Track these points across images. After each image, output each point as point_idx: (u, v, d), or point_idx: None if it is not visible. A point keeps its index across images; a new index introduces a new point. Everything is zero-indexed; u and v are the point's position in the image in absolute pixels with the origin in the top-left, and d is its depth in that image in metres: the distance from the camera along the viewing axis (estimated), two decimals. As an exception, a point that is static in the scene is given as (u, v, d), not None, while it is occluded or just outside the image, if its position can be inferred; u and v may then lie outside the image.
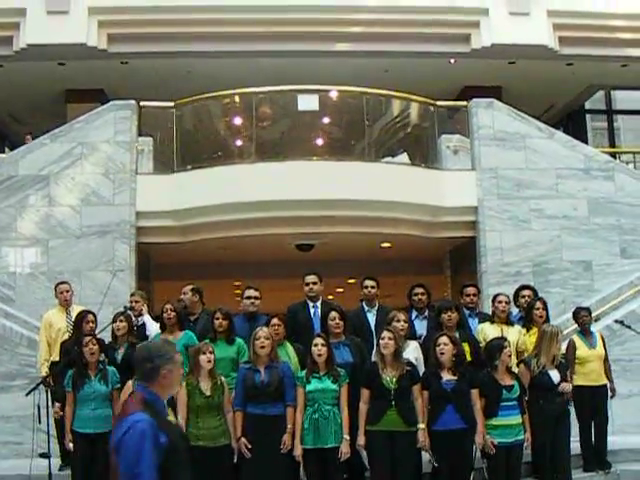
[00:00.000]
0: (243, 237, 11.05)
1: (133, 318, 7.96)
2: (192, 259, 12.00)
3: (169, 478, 3.41)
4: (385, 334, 6.68)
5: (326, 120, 12.54)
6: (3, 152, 14.71)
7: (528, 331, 7.86)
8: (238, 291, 10.77)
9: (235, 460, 6.53)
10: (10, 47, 13.29)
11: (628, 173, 11.74)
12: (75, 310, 8.39)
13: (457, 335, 7.32)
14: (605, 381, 8.03)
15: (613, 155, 13.58)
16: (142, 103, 11.40)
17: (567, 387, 7.21)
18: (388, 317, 7.29)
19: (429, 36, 13.89)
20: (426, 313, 8.17)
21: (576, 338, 8.10)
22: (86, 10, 13.10)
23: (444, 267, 13.20)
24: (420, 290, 8.27)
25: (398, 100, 12.36)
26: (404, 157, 11.83)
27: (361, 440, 6.55)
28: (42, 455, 7.72)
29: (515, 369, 7.28)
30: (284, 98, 12.01)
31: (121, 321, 7.57)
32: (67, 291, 8.72)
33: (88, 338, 7.10)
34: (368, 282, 8.14)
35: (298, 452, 6.51)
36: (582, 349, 7.98)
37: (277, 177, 10.72)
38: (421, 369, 6.98)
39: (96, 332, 7.61)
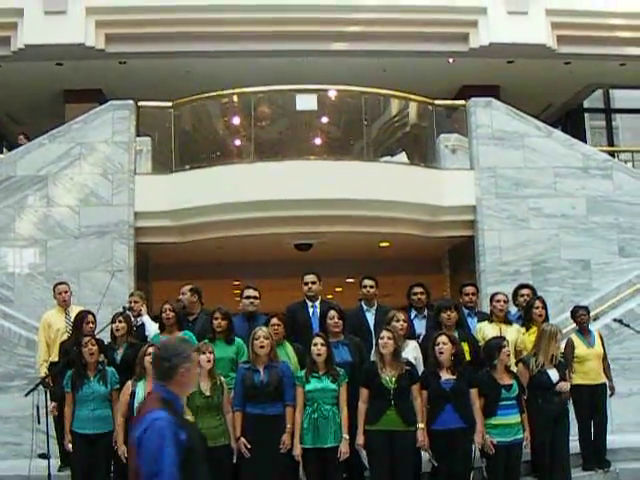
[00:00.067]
0: (242, 237, 11.04)
1: (132, 318, 7.95)
2: (191, 259, 11.99)
3: (188, 476, 3.41)
4: (384, 333, 6.67)
5: (325, 120, 12.54)
6: (1, 153, 14.72)
7: (527, 330, 7.86)
8: (237, 291, 10.76)
9: (234, 460, 6.53)
10: (8, 47, 13.26)
11: (626, 172, 11.75)
12: (74, 310, 8.39)
13: (456, 334, 7.32)
14: (604, 380, 8.03)
15: (611, 154, 13.56)
16: (140, 103, 11.40)
17: (565, 386, 7.22)
18: (387, 317, 7.28)
19: (427, 35, 13.88)
20: (425, 312, 8.18)
21: (574, 337, 8.10)
22: (84, 10, 13.07)
23: (443, 266, 13.20)
24: (419, 289, 8.27)
25: (396, 99, 12.36)
26: (403, 156, 11.82)
27: (360, 440, 6.55)
28: (41, 456, 7.73)
29: (514, 368, 7.28)
30: (283, 98, 12.01)
31: (120, 322, 7.56)
32: (66, 291, 8.72)
33: (87, 338, 7.09)
34: (367, 282, 8.14)
35: (297, 452, 6.51)
36: (580, 348, 7.98)
37: (276, 177, 10.72)
38: (420, 369, 6.98)
39: (95, 332, 7.62)
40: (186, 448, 3.42)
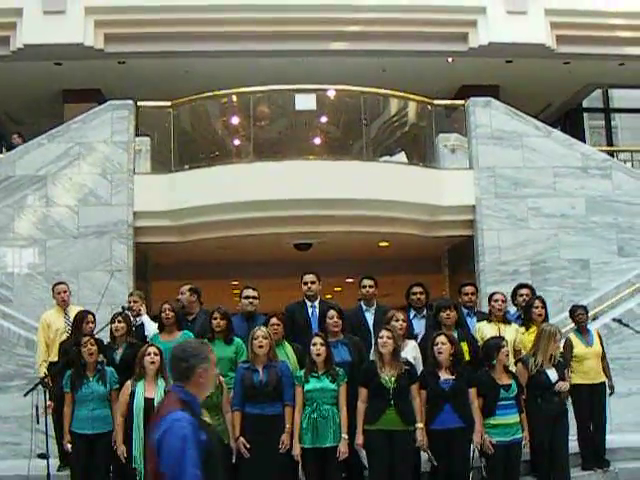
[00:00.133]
0: (241, 237, 11.04)
1: (131, 318, 7.94)
2: (190, 259, 11.99)
3: (208, 477, 3.39)
4: (384, 333, 6.67)
5: (324, 119, 12.54)
6: (0, 152, 14.69)
7: (527, 329, 7.85)
8: (236, 291, 10.76)
9: (234, 460, 6.53)
10: (7, 47, 13.25)
11: (625, 171, 11.75)
12: (73, 310, 8.39)
13: (456, 334, 7.33)
14: (603, 379, 8.03)
15: (610, 153, 13.56)
16: (139, 103, 11.40)
17: (564, 386, 7.21)
18: (386, 316, 7.28)
19: (427, 35, 13.87)
20: (424, 312, 8.18)
21: (573, 336, 8.11)
22: (83, 10, 13.06)
23: (442, 266, 13.20)
24: (419, 289, 8.27)
25: (396, 99, 12.37)
26: (402, 156, 11.82)
27: (359, 439, 6.55)
28: (40, 456, 7.71)
29: (513, 368, 7.29)
30: (282, 97, 12.01)
31: (119, 322, 7.55)
32: (65, 291, 8.71)
33: (86, 338, 7.10)
34: (366, 281, 8.14)
35: (297, 451, 6.52)
36: (579, 347, 7.98)
37: (275, 176, 10.72)
38: (420, 368, 6.99)
39: (94, 332, 7.62)
40: (206, 449, 3.41)
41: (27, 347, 9.19)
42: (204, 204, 10.78)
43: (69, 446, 6.94)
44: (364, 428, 6.55)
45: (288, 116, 12.30)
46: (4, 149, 13.14)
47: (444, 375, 6.71)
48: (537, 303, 7.98)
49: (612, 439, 8.23)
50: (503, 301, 8.10)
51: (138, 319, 8.24)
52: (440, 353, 6.72)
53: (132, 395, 6.68)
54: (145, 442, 6.50)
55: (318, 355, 6.60)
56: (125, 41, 13.53)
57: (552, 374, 7.19)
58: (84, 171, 10.88)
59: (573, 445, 7.62)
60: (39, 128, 11.65)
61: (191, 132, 12.67)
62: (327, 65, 14.04)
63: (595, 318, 9.85)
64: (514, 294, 8.64)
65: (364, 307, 8.08)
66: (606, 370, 8.11)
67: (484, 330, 7.85)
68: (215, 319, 7.26)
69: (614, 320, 9.12)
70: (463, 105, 11.86)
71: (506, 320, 8.07)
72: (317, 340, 6.67)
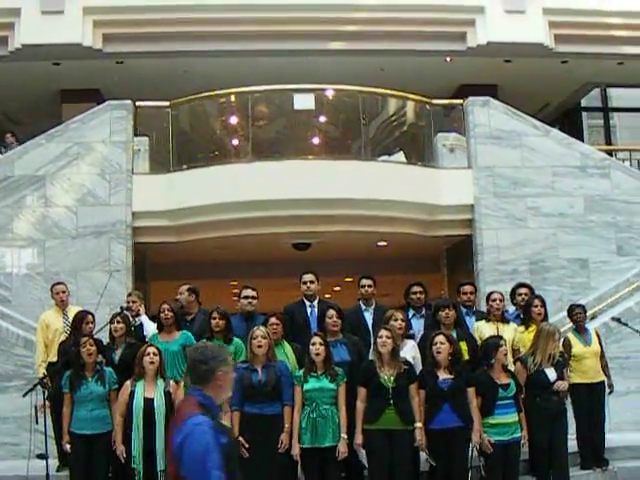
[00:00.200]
0: (240, 236, 11.03)
1: (130, 318, 7.94)
2: (188, 259, 11.99)
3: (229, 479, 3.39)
4: (383, 332, 6.68)
5: (322, 119, 12.53)
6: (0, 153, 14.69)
7: (527, 328, 7.85)
8: (235, 290, 10.76)
9: (233, 460, 6.53)
10: (5, 47, 13.23)
11: (624, 171, 11.75)
12: (71, 311, 8.38)
13: (455, 333, 7.34)
14: (602, 378, 8.04)
15: (609, 153, 13.55)
16: (138, 103, 11.39)
17: (562, 385, 7.22)
18: (386, 316, 7.29)
19: (425, 34, 13.86)
20: (423, 312, 8.18)
21: (571, 336, 8.11)
22: (81, 10, 13.04)
23: (441, 265, 13.20)
24: (418, 289, 8.28)
25: (394, 99, 12.35)
26: (400, 156, 11.82)
27: (358, 439, 6.56)
28: (39, 456, 7.70)
29: (511, 367, 7.29)
30: (280, 97, 12.00)
31: (118, 322, 7.54)
32: (63, 292, 8.70)
33: (85, 339, 7.09)
34: (365, 281, 8.15)
35: (296, 451, 6.52)
36: (577, 346, 7.98)
37: (273, 176, 10.71)
38: (419, 368, 6.99)
39: (93, 332, 7.62)
40: (227, 452, 3.41)
41: (26, 347, 9.19)
42: (203, 204, 10.77)
43: (68, 446, 6.93)
44: (364, 428, 6.56)
45: (286, 116, 12.29)
46: (2, 149, 13.13)
47: (443, 375, 6.72)
48: (536, 302, 7.98)
49: (611, 438, 8.24)
50: (501, 300, 8.10)
51: (137, 319, 8.24)
52: (439, 353, 6.72)
53: (131, 395, 6.69)
54: (144, 442, 6.56)
55: (317, 355, 6.60)
56: (123, 41, 13.51)
57: (551, 373, 7.19)
58: (83, 171, 10.87)
59: (572, 444, 7.63)
60: (37, 128, 11.62)
61: (190, 132, 12.66)
62: (326, 65, 14.03)
63: (594, 317, 9.86)
64: (513, 293, 8.64)
65: (363, 307, 8.09)
66: (605, 369, 8.12)
67: (482, 329, 7.85)
68: (214, 319, 7.27)
69: (613, 319, 9.12)
70: (461, 104, 11.86)
71: (504, 319, 8.07)
72: (316, 340, 6.67)
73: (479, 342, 7.48)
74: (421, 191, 11.21)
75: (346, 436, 6.53)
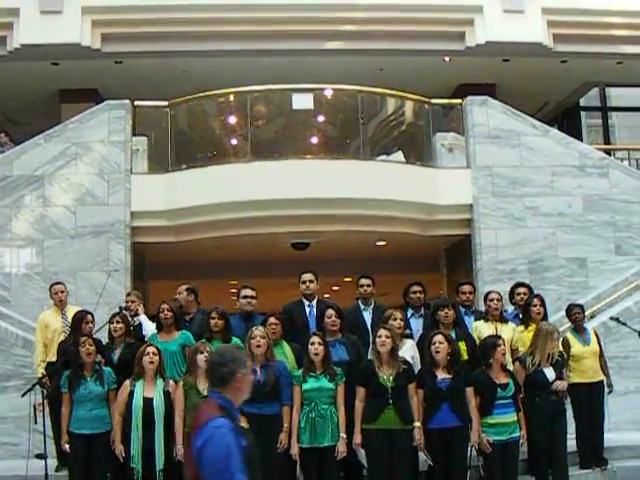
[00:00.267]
0: (238, 236, 11.03)
1: (129, 318, 7.94)
2: (187, 259, 11.98)
3: None
4: (382, 332, 6.68)
5: (321, 119, 12.54)
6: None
7: (527, 328, 7.85)
8: (234, 290, 10.76)
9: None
10: (4, 47, 13.21)
11: (623, 170, 11.76)
12: (70, 310, 8.38)
13: (454, 333, 7.34)
14: (601, 377, 8.03)
15: (608, 152, 13.54)
16: (136, 103, 11.39)
17: (561, 385, 7.23)
18: (384, 315, 7.28)
19: (424, 34, 13.85)
20: (422, 311, 8.18)
21: (570, 336, 8.10)
22: (79, 10, 13.02)
23: (440, 265, 13.20)
24: (418, 288, 8.27)
25: (393, 98, 12.37)
26: (399, 155, 11.83)
27: (357, 439, 6.56)
28: (38, 456, 7.70)
29: (510, 367, 7.29)
30: (279, 97, 12.01)
31: (118, 322, 7.54)
32: (62, 291, 8.69)
33: (84, 338, 7.09)
34: (364, 280, 8.15)
35: (295, 451, 6.52)
36: (576, 346, 7.98)
37: (272, 176, 10.71)
38: (418, 368, 6.99)
39: (92, 332, 7.62)
40: (247, 455, 3.40)
41: (25, 347, 9.18)
42: (201, 204, 10.77)
43: (67, 446, 6.93)
44: (363, 427, 6.56)
45: (285, 115, 12.29)
46: None
47: (441, 374, 6.72)
48: (535, 301, 7.98)
49: (610, 438, 8.24)
50: (498, 300, 8.10)
51: (136, 319, 8.23)
52: (437, 352, 6.72)
53: (131, 395, 6.69)
54: (143, 442, 6.56)
55: (316, 354, 6.60)
56: (122, 41, 13.50)
57: (549, 373, 7.20)
58: (81, 171, 10.87)
59: (571, 444, 7.63)
60: (36, 128, 11.62)
61: (188, 132, 12.66)
62: (324, 64, 14.03)
63: (593, 317, 9.86)
64: (511, 293, 8.64)
65: (362, 306, 8.08)
66: (604, 368, 8.12)
67: (481, 329, 7.86)
68: (213, 319, 7.27)
69: (612, 319, 9.11)
70: (460, 104, 11.86)
71: (503, 319, 8.07)
72: (315, 339, 6.67)
73: (478, 342, 7.48)
74: (420, 191, 11.21)
75: (345, 436, 6.53)
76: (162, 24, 13.28)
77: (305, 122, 12.30)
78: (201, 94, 11.75)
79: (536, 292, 8.57)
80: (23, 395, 7.18)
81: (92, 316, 7.91)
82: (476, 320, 8.16)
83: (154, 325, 7.87)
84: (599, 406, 7.98)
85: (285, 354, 7.13)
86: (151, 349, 6.82)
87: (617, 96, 17.56)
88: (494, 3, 13.69)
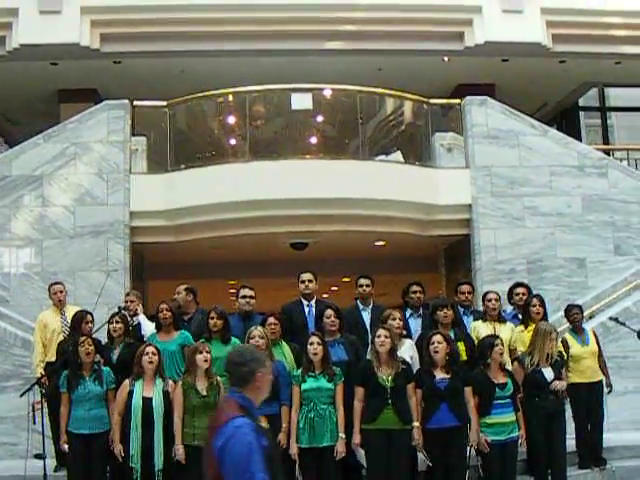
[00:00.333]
0: (237, 236, 11.03)
1: (128, 318, 7.94)
2: (186, 259, 11.98)
3: None
4: (381, 332, 6.68)
5: (320, 119, 12.54)
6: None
7: (527, 328, 7.85)
8: (233, 290, 10.76)
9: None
10: (3, 47, 13.21)
11: (622, 170, 11.76)
12: (69, 310, 8.38)
13: (452, 333, 7.34)
14: (600, 377, 8.04)
15: (607, 152, 13.55)
16: (135, 103, 11.39)
17: (559, 385, 7.23)
18: (383, 315, 7.28)
19: (423, 34, 13.86)
20: (420, 311, 8.18)
21: (568, 336, 8.10)
22: (78, 10, 13.02)
23: (438, 265, 13.21)
24: (418, 288, 8.26)
25: (392, 98, 12.38)
26: (398, 155, 11.83)
27: (356, 439, 6.56)
28: (37, 456, 7.69)
29: (509, 367, 7.29)
30: (278, 97, 12.00)
31: (117, 322, 7.55)
32: (61, 291, 8.69)
33: (84, 338, 7.09)
34: (363, 280, 8.14)
35: (294, 451, 6.52)
36: (575, 347, 7.98)
37: (271, 176, 10.71)
38: (417, 368, 6.99)
39: (92, 332, 7.62)
40: (268, 455, 3.40)
41: (24, 347, 9.17)
42: (200, 204, 10.78)
43: (66, 446, 6.93)
44: (362, 427, 6.56)
45: (284, 115, 12.29)
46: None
47: (440, 374, 6.72)
48: (535, 301, 7.99)
49: (609, 437, 8.24)
50: (496, 300, 8.10)
51: (135, 319, 8.24)
52: (436, 352, 6.72)
53: (130, 394, 6.69)
54: (143, 441, 6.56)
55: (315, 354, 6.60)
56: (121, 41, 13.50)
57: (548, 373, 7.20)
58: (80, 171, 10.86)
59: (570, 444, 7.63)
60: (35, 128, 11.63)
61: (187, 132, 12.66)
62: (324, 64, 14.03)
63: (592, 317, 9.87)
64: (510, 293, 8.64)
65: (360, 306, 8.08)
66: (603, 368, 8.13)
67: (479, 329, 7.86)
68: (212, 319, 7.27)
69: (610, 319, 9.10)
70: (459, 104, 11.86)
71: (501, 319, 8.07)
72: (314, 339, 6.67)
73: (476, 342, 7.48)
74: (419, 191, 11.22)
75: (344, 436, 6.53)
76: (161, 24, 13.29)
77: (304, 122, 12.29)
78: (200, 94, 11.75)
79: (535, 292, 8.56)
80: (22, 395, 7.18)
81: (92, 316, 7.91)
82: (475, 320, 8.16)
83: (153, 325, 7.87)
84: (598, 406, 7.98)
85: (284, 354, 7.13)
86: (150, 349, 6.82)
87: (616, 96, 17.57)
88: (493, 3, 13.70)
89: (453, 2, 13.66)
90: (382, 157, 11.81)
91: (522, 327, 7.94)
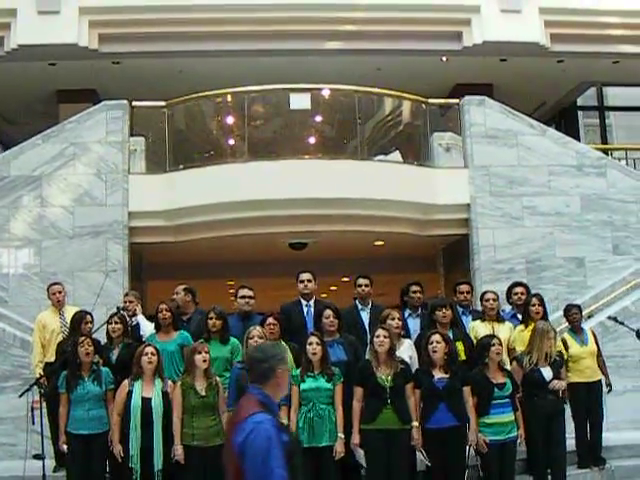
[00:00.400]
0: (236, 236, 11.03)
1: (127, 318, 7.94)
2: (185, 259, 11.98)
3: (291, 477, 3.40)
4: (380, 332, 6.68)
5: (318, 119, 12.54)
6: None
7: (526, 327, 7.84)
8: (232, 290, 10.76)
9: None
10: (1, 48, 13.21)
11: (620, 169, 11.77)
12: (68, 311, 8.38)
13: (451, 333, 7.34)
14: (600, 377, 8.04)
15: (605, 152, 13.55)
16: (134, 103, 11.38)
17: (558, 385, 7.23)
18: (382, 315, 7.28)
19: (421, 34, 13.87)
20: (419, 311, 8.18)
21: (567, 336, 8.11)
22: (77, 10, 13.02)
23: (437, 265, 13.21)
24: (417, 288, 8.27)
25: (390, 98, 12.38)
26: (396, 155, 11.83)
27: (355, 439, 6.56)
28: (36, 456, 7.69)
29: (508, 366, 7.30)
30: (276, 97, 12.00)
31: (116, 322, 7.55)
32: (60, 292, 8.68)
33: (83, 338, 7.09)
34: (361, 280, 8.15)
35: (293, 451, 6.51)
36: (574, 347, 7.98)
37: (270, 176, 10.71)
38: (415, 368, 6.99)
39: (91, 332, 7.61)
40: (289, 450, 3.43)
41: (23, 348, 9.17)
42: (199, 204, 10.78)
43: (65, 447, 6.93)
44: (361, 427, 6.56)
45: (283, 115, 12.29)
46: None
47: (438, 374, 6.72)
48: (534, 301, 7.99)
49: (608, 437, 8.24)
50: (495, 300, 8.10)
51: (134, 319, 8.24)
52: (435, 352, 6.73)
53: (129, 394, 6.69)
54: (142, 441, 6.56)
55: (314, 354, 6.60)
56: (119, 41, 13.50)
57: (546, 372, 7.21)
58: (79, 171, 10.86)
59: (569, 443, 7.63)
60: (34, 128, 11.62)
61: (186, 132, 12.66)
62: (322, 64, 14.03)
63: (590, 316, 9.87)
64: (509, 292, 8.64)
65: (359, 306, 8.09)
66: (602, 368, 8.13)
67: (478, 329, 7.86)
68: (211, 319, 7.27)
69: (609, 318, 9.11)
70: (457, 104, 11.87)
71: (500, 319, 8.07)
72: (313, 339, 6.67)
73: (475, 342, 7.48)
74: (417, 190, 11.22)
75: (343, 436, 6.53)
76: (159, 24, 13.29)
77: (302, 122, 12.30)
78: (199, 94, 11.75)
79: (534, 292, 8.56)
80: (20, 395, 7.17)
81: (91, 316, 7.91)
82: (474, 320, 8.17)
83: (152, 325, 7.87)
84: (597, 405, 7.99)
85: (283, 354, 7.12)
86: (150, 349, 6.82)
87: (614, 96, 17.56)
88: (491, 3, 13.71)
89: (451, 2, 13.67)
90: (381, 157, 11.81)
91: (522, 327, 7.95)
